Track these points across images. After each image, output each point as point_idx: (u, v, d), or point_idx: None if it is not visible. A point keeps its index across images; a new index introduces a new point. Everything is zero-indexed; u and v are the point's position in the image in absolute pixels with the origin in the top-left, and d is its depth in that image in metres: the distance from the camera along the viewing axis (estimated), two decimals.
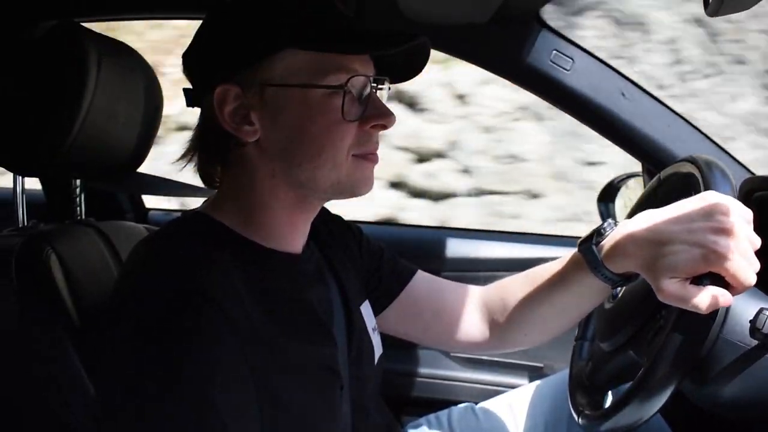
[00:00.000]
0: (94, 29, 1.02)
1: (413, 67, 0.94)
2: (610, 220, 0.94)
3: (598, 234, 0.93)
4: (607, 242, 0.91)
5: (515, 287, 1.13)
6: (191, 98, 0.91)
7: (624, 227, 0.90)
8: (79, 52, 0.95)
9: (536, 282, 1.08)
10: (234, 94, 0.85)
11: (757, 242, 0.80)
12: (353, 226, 1.18)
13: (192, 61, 0.91)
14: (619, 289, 1.04)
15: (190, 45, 0.91)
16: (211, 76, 0.86)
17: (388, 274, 1.17)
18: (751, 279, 0.78)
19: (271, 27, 0.84)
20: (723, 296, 0.78)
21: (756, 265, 0.79)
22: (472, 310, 1.18)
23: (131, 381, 0.72)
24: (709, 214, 0.80)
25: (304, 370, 0.87)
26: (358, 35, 0.88)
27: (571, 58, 1.37)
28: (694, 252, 0.79)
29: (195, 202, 1.07)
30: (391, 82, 0.95)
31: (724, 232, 0.78)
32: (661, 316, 0.91)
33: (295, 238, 0.95)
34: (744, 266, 0.77)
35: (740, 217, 0.80)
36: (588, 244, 0.93)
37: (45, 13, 1.41)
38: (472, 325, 1.18)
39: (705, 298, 0.78)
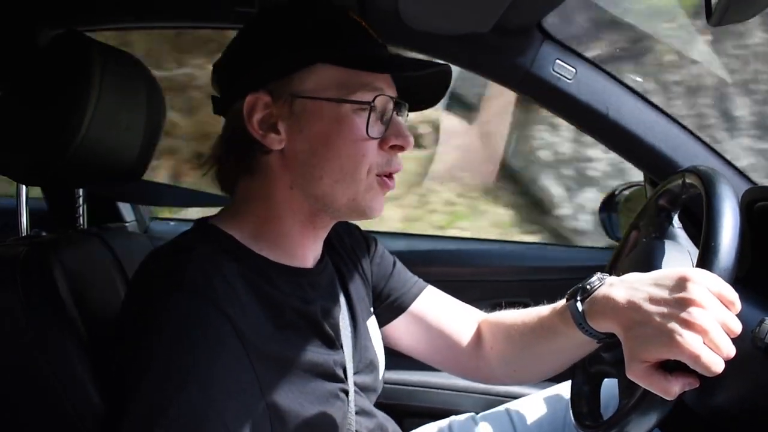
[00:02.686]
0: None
1: (433, 94, 0.98)
2: (598, 275, 0.93)
3: (583, 290, 0.92)
4: (591, 301, 0.91)
5: (509, 326, 1.14)
6: (219, 106, 0.95)
7: (608, 289, 0.88)
8: (83, 61, 0.95)
9: (527, 326, 1.10)
10: (264, 103, 0.88)
11: (737, 329, 0.77)
12: (369, 238, 1.20)
13: (225, 69, 0.94)
14: None
15: (223, 55, 0.95)
16: (243, 85, 0.89)
17: (398, 288, 1.19)
18: (717, 369, 0.74)
19: (307, 42, 0.88)
20: (689, 383, 0.77)
21: (729, 352, 0.75)
22: (473, 337, 1.20)
23: (141, 387, 0.74)
24: (685, 303, 0.77)
25: (309, 379, 0.89)
26: (386, 57, 0.92)
27: (574, 68, 1.37)
28: (662, 340, 0.77)
29: (198, 210, 1.07)
30: (410, 109, 0.98)
31: (695, 327, 0.75)
32: None
33: (304, 253, 0.97)
34: (710, 359, 0.74)
35: (718, 305, 0.78)
36: (573, 301, 0.93)
37: (49, 22, 1.41)
38: (470, 351, 1.19)
39: (670, 386, 0.77)
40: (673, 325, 0.76)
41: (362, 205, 0.91)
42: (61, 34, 1.00)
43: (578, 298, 0.92)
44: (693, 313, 0.76)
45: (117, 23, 1.58)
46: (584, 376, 1.07)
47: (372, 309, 1.14)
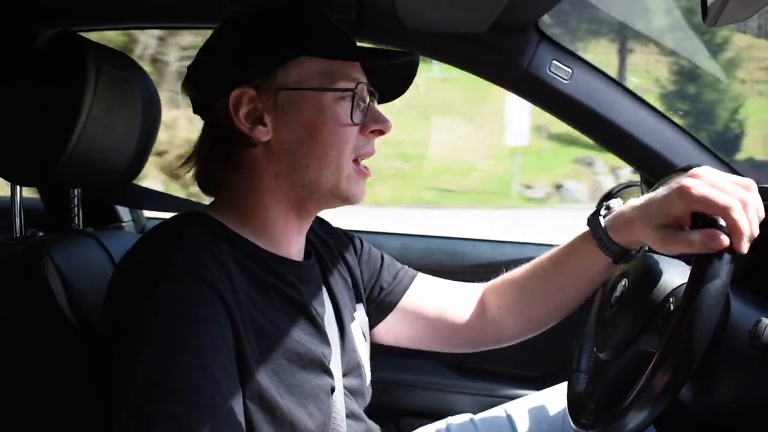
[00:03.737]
0: None
1: (399, 86, 1.04)
2: (619, 199, 1.02)
3: (606, 208, 1.04)
4: (614, 217, 1.02)
5: (519, 277, 1.19)
6: (199, 105, 0.97)
7: (629, 203, 0.99)
8: (78, 62, 0.95)
9: (539, 266, 1.17)
10: (249, 96, 0.91)
11: (760, 209, 0.84)
12: (353, 237, 1.22)
13: (203, 69, 0.96)
14: (617, 295, 1.05)
15: (202, 54, 0.97)
16: (226, 82, 0.91)
17: (389, 282, 1.20)
18: (734, 206, 0.81)
19: (288, 37, 0.91)
20: (718, 237, 0.80)
21: (753, 226, 0.82)
22: (474, 306, 1.23)
23: (136, 367, 0.76)
24: (697, 174, 0.86)
25: (296, 367, 0.89)
26: (364, 48, 0.98)
27: (570, 68, 1.37)
28: (677, 191, 0.86)
29: None
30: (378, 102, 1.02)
31: (710, 179, 0.85)
32: (659, 325, 0.92)
33: (290, 244, 0.99)
34: (731, 202, 0.81)
35: (731, 181, 0.85)
36: (595, 216, 1.04)
37: (46, 22, 1.41)
38: (473, 322, 1.22)
39: (698, 236, 0.82)
40: (688, 179, 0.86)
41: (345, 191, 0.95)
42: (56, 34, 1.00)
43: (601, 214, 1.03)
44: (697, 171, 0.87)
45: (114, 23, 1.57)
46: (580, 394, 1.07)
47: (355, 314, 1.14)
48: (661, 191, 0.91)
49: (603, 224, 1.02)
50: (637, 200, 0.97)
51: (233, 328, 0.82)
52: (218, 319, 0.80)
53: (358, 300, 1.16)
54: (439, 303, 1.22)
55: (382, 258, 1.23)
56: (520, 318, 1.19)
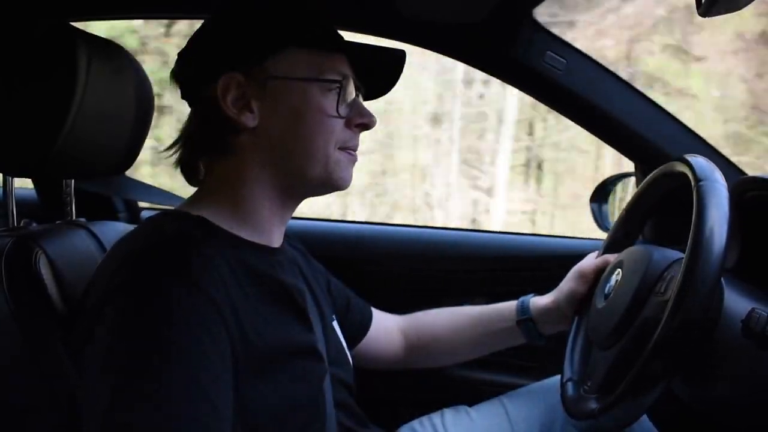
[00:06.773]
0: None
1: (385, 84, 1.05)
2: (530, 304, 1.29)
3: (526, 318, 1.28)
4: (540, 314, 1.27)
5: (439, 317, 1.38)
6: (187, 90, 0.97)
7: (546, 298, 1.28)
8: (69, 52, 0.94)
9: (462, 319, 1.36)
10: (237, 82, 0.91)
11: None
12: (321, 267, 1.24)
13: (193, 54, 0.97)
14: (611, 285, 1.05)
15: (192, 42, 0.98)
16: (216, 67, 0.92)
17: (358, 319, 1.28)
18: None
19: (280, 27, 0.93)
20: None
21: None
22: (395, 337, 1.37)
23: (121, 371, 0.73)
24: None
25: (288, 351, 0.89)
26: (353, 42, 0.97)
27: (565, 59, 1.37)
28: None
29: None
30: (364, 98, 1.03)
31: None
32: (654, 307, 0.94)
33: (274, 232, 0.99)
34: None
35: None
36: (526, 322, 1.28)
37: (38, 14, 1.40)
38: (393, 348, 1.37)
39: None
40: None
41: (333, 177, 0.96)
42: (47, 25, 0.99)
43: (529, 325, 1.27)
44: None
45: (110, 14, 1.56)
46: (576, 399, 1.08)
47: (335, 316, 1.16)
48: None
49: (536, 331, 1.26)
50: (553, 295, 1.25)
51: (226, 327, 0.79)
52: (211, 326, 0.78)
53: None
54: (374, 333, 1.31)
55: (348, 294, 1.28)
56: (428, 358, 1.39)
